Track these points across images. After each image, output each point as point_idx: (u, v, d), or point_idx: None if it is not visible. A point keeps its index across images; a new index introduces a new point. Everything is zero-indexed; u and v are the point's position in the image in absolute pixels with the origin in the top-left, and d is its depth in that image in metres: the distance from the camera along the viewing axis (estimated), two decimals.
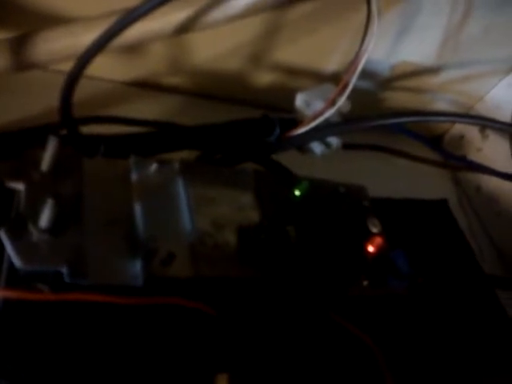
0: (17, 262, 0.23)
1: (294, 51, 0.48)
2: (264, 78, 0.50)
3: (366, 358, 0.27)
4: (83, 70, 0.26)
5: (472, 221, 0.56)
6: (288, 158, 0.40)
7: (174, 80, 0.49)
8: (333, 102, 0.38)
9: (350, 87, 0.38)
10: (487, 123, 0.39)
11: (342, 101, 0.38)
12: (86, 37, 0.28)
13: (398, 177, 0.52)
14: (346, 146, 0.43)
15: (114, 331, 0.24)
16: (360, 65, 0.38)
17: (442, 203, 0.49)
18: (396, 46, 0.50)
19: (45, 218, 0.24)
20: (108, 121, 0.33)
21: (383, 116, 0.38)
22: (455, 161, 0.51)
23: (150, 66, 0.46)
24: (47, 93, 0.29)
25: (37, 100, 0.37)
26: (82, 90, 0.29)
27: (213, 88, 0.50)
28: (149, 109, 0.45)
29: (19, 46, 0.29)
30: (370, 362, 0.26)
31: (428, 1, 0.47)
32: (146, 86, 0.48)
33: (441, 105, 0.58)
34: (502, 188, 0.53)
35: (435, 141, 0.62)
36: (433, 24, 0.49)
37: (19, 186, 0.26)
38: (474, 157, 0.57)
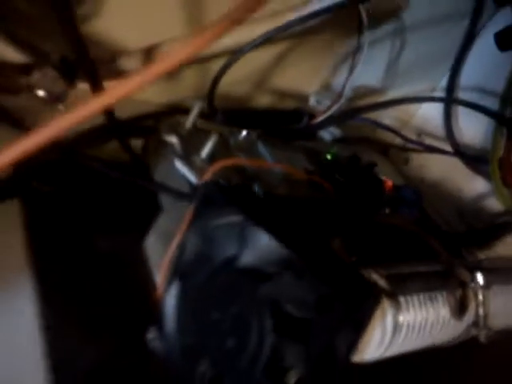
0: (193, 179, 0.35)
1: (287, 78, 0.64)
2: (263, 100, 0.65)
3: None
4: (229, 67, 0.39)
5: None
6: None
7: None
8: (337, 101, 0.54)
9: (347, 91, 0.54)
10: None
11: (342, 100, 0.54)
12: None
13: None
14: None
15: None
16: (351, 78, 0.54)
17: None
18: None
19: (207, 149, 0.35)
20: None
21: (370, 107, 0.55)
22: (414, 144, 0.68)
23: (180, 90, 0.59)
24: None
25: None
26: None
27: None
28: None
29: (148, 54, 0.41)
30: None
31: (374, 36, 0.65)
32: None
33: (386, 119, 0.76)
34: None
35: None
36: (379, 56, 0.68)
37: (173, 139, 0.37)
38: None
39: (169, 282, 0.29)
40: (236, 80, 0.62)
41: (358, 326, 0.26)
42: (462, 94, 0.71)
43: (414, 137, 0.79)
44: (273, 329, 0.24)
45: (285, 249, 0.23)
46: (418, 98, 0.63)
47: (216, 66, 0.58)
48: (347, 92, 0.58)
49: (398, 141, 0.75)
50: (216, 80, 0.42)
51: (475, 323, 0.39)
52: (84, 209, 0.37)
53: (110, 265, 0.35)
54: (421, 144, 0.68)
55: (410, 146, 0.71)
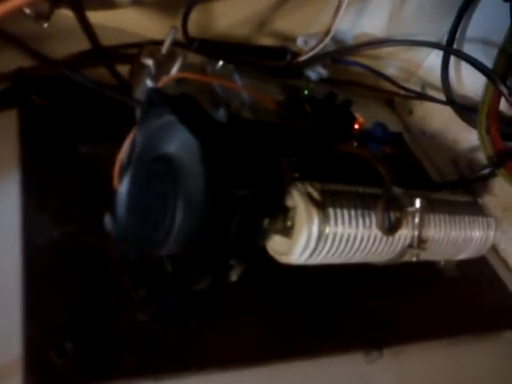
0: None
1: (288, 21, 0.67)
2: (264, 42, 0.68)
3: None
4: None
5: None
6: None
7: None
8: (321, 41, 0.57)
9: (332, 33, 0.57)
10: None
11: (327, 40, 0.57)
12: None
13: None
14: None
15: None
16: (337, 18, 0.57)
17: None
18: (358, 20, 0.70)
19: (173, 71, 0.40)
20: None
21: (354, 47, 0.57)
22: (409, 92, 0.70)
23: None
24: None
25: None
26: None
27: None
28: None
29: None
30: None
31: None
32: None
33: (390, 70, 0.78)
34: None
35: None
36: (382, 3, 0.69)
37: (149, 62, 0.42)
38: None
39: (122, 174, 0.34)
40: (238, 21, 0.66)
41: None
42: (465, 46, 0.71)
43: (418, 88, 0.80)
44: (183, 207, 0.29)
45: (196, 141, 0.28)
46: (403, 41, 0.63)
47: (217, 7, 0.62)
48: (335, 33, 0.60)
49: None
50: (188, 9, 0.46)
51: (411, 245, 0.42)
52: (71, 120, 0.43)
53: (87, 165, 0.41)
54: (414, 91, 0.70)
55: (405, 93, 0.72)
